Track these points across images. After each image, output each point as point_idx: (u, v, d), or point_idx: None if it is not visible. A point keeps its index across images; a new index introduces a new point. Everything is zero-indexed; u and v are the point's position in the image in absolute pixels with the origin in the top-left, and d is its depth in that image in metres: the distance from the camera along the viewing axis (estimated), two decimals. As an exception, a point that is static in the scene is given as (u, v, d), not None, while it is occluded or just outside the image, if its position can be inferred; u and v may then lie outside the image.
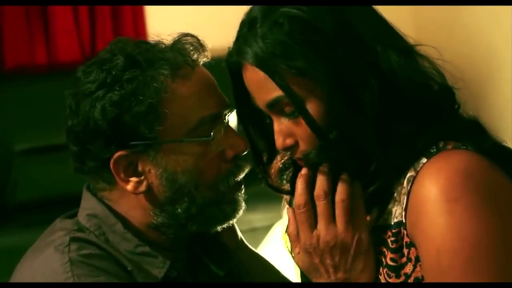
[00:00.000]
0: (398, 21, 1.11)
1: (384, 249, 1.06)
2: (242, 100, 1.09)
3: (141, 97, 1.06)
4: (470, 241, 0.96)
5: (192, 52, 1.12)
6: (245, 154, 1.14)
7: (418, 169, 1.02)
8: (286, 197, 1.18)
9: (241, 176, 1.14)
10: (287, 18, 1.02)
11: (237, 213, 1.14)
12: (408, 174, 1.03)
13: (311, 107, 1.03)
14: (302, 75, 1.01)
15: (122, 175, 1.09)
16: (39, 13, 2.72)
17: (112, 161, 1.08)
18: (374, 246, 1.06)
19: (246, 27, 1.05)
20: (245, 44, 1.04)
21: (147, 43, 1.13)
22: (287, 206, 1.18)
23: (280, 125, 1.06)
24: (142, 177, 1.10)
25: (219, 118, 1.12)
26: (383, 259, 1.06)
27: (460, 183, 0.97)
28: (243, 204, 1.15)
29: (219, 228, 1.16)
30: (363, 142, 1.03)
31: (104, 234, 1.11)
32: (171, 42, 1.13)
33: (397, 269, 1.04)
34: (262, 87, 1.04)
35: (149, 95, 1.06)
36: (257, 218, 2.58)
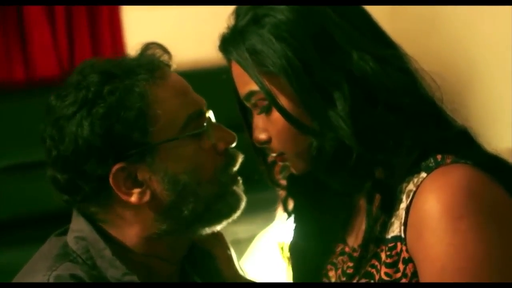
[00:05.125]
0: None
1: (377, 263, 1.05)
2: (236, 89, 1.12)
3: (128, 104, 1.06)
4: (474, 260, 0.96)
5: (162, 56, 1.14)
6: (235, 145, 1.15)
7: (418, 183, 1.01)
8: (282, 193, 1.20)
9: (237, 166, 1.14)
10: (266, 16, 1.05)
11: (240, 205, 1.14)
12: (407, 189, 1.03)
13: (284, 102, 1.05)
14: (273, 74, 1.04)
15: (123, 189, 1.07)
16: (16, 29, 2.71)
17: (111, 176, 1.06)
18: (365, 258, 1.06)
19: (232, 20, 1.09)
20: (228, 39, 1.09)
21: (115, 59, 1.13)
22: (280, 207, 1.21)
23: (257, 120, 1.10)
24: (144, 187, 1.08)
25: (203, 115, 1.13)
26: (375, 273, 1.05)
27: (464, 200, 0.97)
28: (244, 196, 1.15)
29: (224, 223, 1.15)
30: (339, 135, 1.03)
31: (92, 259, 1.09)
32: (139, 51, 1.14)
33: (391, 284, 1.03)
34: (240, 81, 1.09)
35: (134, 100, 1.06)
36: (241, 229, 2.56)
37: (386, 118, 1.03)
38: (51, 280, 1.05)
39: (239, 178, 1.15)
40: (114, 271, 1.08)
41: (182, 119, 1.10)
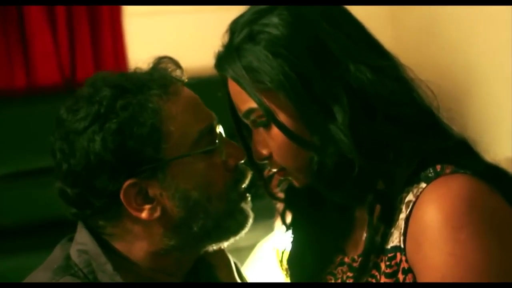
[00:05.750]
0: (375, 31, 1.11)
1: (376, 273, 1.05)
2: (235, 110, 1.12)
3: (141, 120, 1.05)
4: (474, 270, 0.96)
5: (174, 71, 1.13)
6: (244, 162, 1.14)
7: (418, 194, 1.01)
8: (279, 206, 1.19)
9: (246, 182, 1.14)
10: (261, 33, 1.05)
11: (248, 222, 1.14)
12: (407, 199, 1.03)
13: (283, 118, 1.05)
14: (271, 90, 1.04)
15: (134, 205, 1.06)
16: (17, 36, 2.71)
17: (122, 192, 1.05)
18: (366, 269, 1.06)
19: (227, 37, 1.09)
20: (224, 56, 1.08)
21: (125, 73, 1.12)
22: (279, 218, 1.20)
23: (257, 136, 1.10)
24: (155, 203, 1.07)
25: (214, 130, 1.13)
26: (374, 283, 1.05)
27: (464, 211, 0.97)
28: (251, 213, 1.14)
29: (232, 240, 1.15)
30: (341, 148, 1.03)
31: (93, 273, 1.08)
32: (150, 66, 1.13)
33: None
34: (238, 98, 1.08)
35: (148, 116, 1.06)
36: (242, 237, 2.56)
37: (386, 129, 1.03)
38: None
39: (247, 195, 1.15)
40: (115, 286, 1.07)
41: (193, 135, 1.09)
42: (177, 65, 1.14)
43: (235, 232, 1.14)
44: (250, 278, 1.33)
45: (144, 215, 1.07)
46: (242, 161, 1.14)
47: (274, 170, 1.12)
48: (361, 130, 1.02)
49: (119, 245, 1.11)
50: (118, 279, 1.07)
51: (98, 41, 2.80)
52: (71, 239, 1.13)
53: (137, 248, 1.10)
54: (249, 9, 1.09)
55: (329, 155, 1.03)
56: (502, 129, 2.62)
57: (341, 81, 1.03)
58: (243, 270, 1.32)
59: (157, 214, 1.08)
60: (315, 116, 1.03)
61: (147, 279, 1.11)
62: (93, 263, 1.08)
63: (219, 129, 1.14)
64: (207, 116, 1.13)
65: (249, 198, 1.15)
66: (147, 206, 1.07)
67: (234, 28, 1.09)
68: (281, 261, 1.23)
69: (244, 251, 2.27)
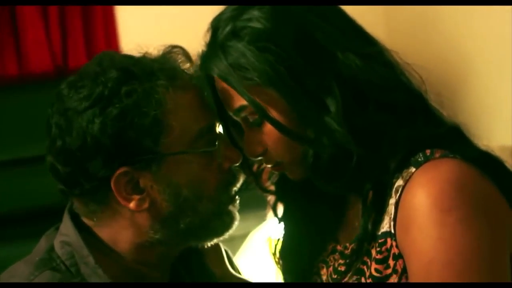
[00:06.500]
0: (369, 25, 1.10)
1: (367, 260, 1.04)
2: (221, 106, 1.09)
3: (144, 110, 1.03)
4: (463, 254, 0.94)
5: (184, 63, 1.10)
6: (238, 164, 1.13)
7: (407, 178, 1.00)
8: (271, 198, 1.19)
9: (238, 186, 1.13)
10: (245, 28, 1.03)
11: (234, 225, 1.13)
12: (396, 184, 1.02)
13: (276, 114, 1.03)
14: (260, 86, 1.02)
15: (123, 193, 1.05)
16: (9, 24, 2.69)
17: (113, 179, 1.04)
18: (358, 256, 1.05)
19: (210, 36, 1.07)
20: (209, 55, 1.06)
21: (134, 56, 1.09)
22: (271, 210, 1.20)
23: (250, 133, 1.08)
24: (144, 194, 1.06)
25: (214, 129, 1.11)
26: (366, 270, 1.05)
27: (453, 194, 0.96)
28: (238, 216, 1.14)
29: (215, 240, 1.14)
30: (336, 139, 1.02)
31: (76, 265, 1.07)
32: (161, 53, 1.10)
33: (381, 280, 1.02)
34: (227, 97, 1.06)
35: (151, 107, 1.03)
36: (236, 226, 2.56)
37: (379, 117, 1.02)
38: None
39: (237, 197, 1.14)
40: (97, 279, 1.06)
41: (193, 133, 1.07)
42: (188, 57, 1.11)
43: (220, 233, 1.13)
44: (243, 267, 1.32)
45: (132, 205, 1.06)
46: (237, 164, 1.13)
47: (269, 166, 1.10)
48: (355, 120, 1.01)
49: (104, 234, 1.10)
50: (100, 272, 1.06)
51: (90, 28, 2.78)
52: (58, 228, 1.12)
53: (123, 237, 1.09)
54: (228, 6, 1.07)
55: (324, 147, 1.02)
56: (497, 118, 2.62)
57: (330, 71, 1.02)
58: (236, 259, 1.32)
59: (145, 205, 1.06)
60: (308, 108, 1.02)
61: (131, 271, 1.10)
62: (75, 254, 1.07)
63: (219, 128, 1.13)
64: (210, 114, 1.10)
65: (237, 201, 1.14)
66: (136, 197, 1.06)
67: (216, 25, 1.06)
68: (273, 253, 1.23)
69: (237, 241, 2.27)
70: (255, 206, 1.82)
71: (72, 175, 1.05)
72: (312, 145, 1.03)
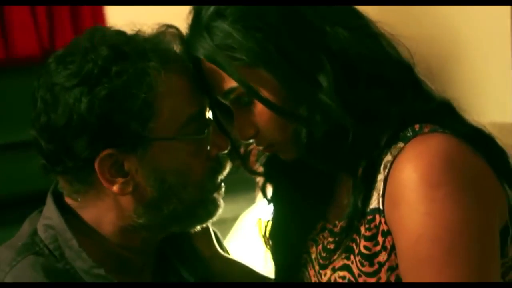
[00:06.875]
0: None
1: (357, 237, 1.03)
2: (208, 89, 1.07)
3: (134, 92, 1.00)
4: (452, 230, 0.93)
5: (177, 45, 1.07)
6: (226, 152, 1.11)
7: (396, 154, 0.99)
8: (259, 180, 1.18)
9: (225, 173, 1.11)
10: (229, 7, 1.01)
11: (217, 212, 1.12)
12: (385, 160, 1.00)
13: (266, 93, 1.01)
14: (249, 66, 1.00)
15: (107, 175, 1.03)
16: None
17: (97, 160, 1.01)
18: (348, 233, 1.04)
19: (193, 17, 1.04)
20: (193, 37, 1.03)
21: (126, 33, 1.05)
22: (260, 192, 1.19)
23: (240, 115, 1.05)
24: (128, 177, 1.04)
25: (203, 116, 1.09)
26: (355, 247, 1.04)
27: (442, 169, 0.94)
28: (222, 203, 1.12)
29: (198, 228, 1.13)
30: (330, 115, 1.00)
31: (60, 248, 1.05)
32: (154, 33, 1.07)
33: (370, 258, 1.01)
34: (216, 79, 1.03)
35: (142, 89, 1.00)
36: (226, 209, 2.55)
37: (371, 93, 1.00)
38: (8, 279, 1.02)
39: (223, 185, 1.12)
40: (81, 262, 1.05)
41: (183, 118, 1.05)
42: (183, 39, 1.07)
43: (204, 220, 1.12)
44: (233, 250, 1.32)
45: (115, 188, 1.04)
46: (225, 151, 1.11)
47: (261, 147, 1.08)
48: (347, 95, 0.99)
49: (88, 215, 1.08)
50: (84, 255, 1.04)
51: (77, 11, 2.76)
52: (41, 212, 1.10)
53: (106, 219, 1.07)
54: None
55: (318, 124, 1.00)
56: (487, 94, 2.62)
57: (320, 46, 1.00)
58: (226, 242, 1.31)
59: (128, 189, 1.04)
60: (299, 85, 1.00)
61: (115, 255, 1.09)
62: (59, 238, 1.05)
63: (209, 115, 1.10)
64: (200, 99, 1.08)
65: (223, 189, 1.12)
66: (120, 180, 1.03)
67: (199, 7, 1.04)
68: (263, 234, 1.22)
69: (227, 223, 2.27)
70: (245, 189, 1.81)
71: (55, 153, 1.03)
72: (306, 123, 1.01)
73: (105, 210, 1.07)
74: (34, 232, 1.08)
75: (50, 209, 1.08)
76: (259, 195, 2.09)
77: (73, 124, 1.00)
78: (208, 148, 1.08)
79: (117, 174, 1.04)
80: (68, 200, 1.10)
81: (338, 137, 1.01)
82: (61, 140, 1.02)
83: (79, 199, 1.08)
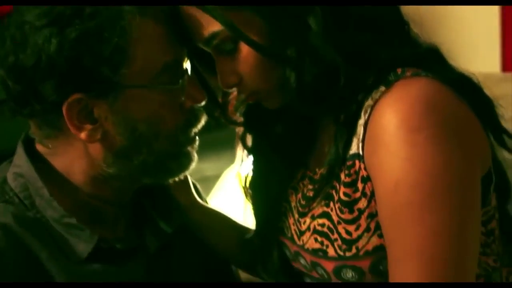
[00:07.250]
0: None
1: (336, 184, 1.02)
2: (187, 37, 1.03)
3: (106, 35, 0.97)
4: (432, 175, 0.91)
5: None
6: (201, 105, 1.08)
7: (377, 97, 0.96)
8: (239, 130, 1.16)
9: (199, 127, 1.08)
10: None
11: (190, 166, 1.10)
12: (366, 104, 0.98)
13: (252, 36, 0.98)
14: (234, 8, 0.97)
15: (75, 121, 1.00)
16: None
17: (65, 105, 0.98)
18: (327, 180, 1.02)
19: None
20: None
21: None
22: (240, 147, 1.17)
23: (223, 63, 1.02)
24: (97, 124, 1.01)
25: (180, 65, 1.05)
26: (335, 194, 1.02)
27: (423, 112, 0.92)
28: (196, 157, 1.10)
29: (170, 181, 1.11)
30: (320, 56, 0.97)
31: (30, 197, 1.03)
32: None
33: (350, 204, 1.00)
34: (197, 24, 1.00)
35: (115, 33, 0.97)
36: (208, 166, 2.54)
37: (360, 36, 0.98)
38: None
39: (197, 138, 1.10)
40: (52, 211, 1.03)
41: (158, 66, 1.01)
42: None
43: (176, 173, 1.10)
44: (215, 206, 1.30)
45: (83, 135, 1.01)
46: (201, 104, 1.08)
47: (243, 96, 1.05)
48: (337, 37, 0.97)
49: (59, 163, 1.06)
50: (55, 204, 1.03)
51: None
52: (11, 162, 1.08)
53: (77, 168, 1.05)
54: None
55: (307, 67, 0.97)
56: (474, 43, 2.61)
57: None
58: (209, 199, 1.30)
59: (97, 137, 1.02)
60: (287, 26, 0.97)
61: (87, 205, 1.07)
62: (29, 186, 1.03)
63: (186, 65, 1.07)
64: (176, 49, 1.04)
65: (197, 143, 1.10)
66: (89, 126, 1.01)
67: None
68: (244, 186, 1.21)
69: (211, 181, 2.25)
70: (228, 146, 1.80)
71: (23, 94, 1.00)
72: (295, 65, 0.98)
73: (75, 158, 1.05)
74: (4, 181, 1.06)
75: (20, 157, 1.06)
76: (238, 152, 2.07)
77: (41, 65, 0.97)
78: (183, 99, 1.06)
79: (86, 121, 1.01)
80: (39, 147, 1.08)
81: (328, 81, 0.98)
82: (28, 82, 0.99)
83: (50, 146, 1.06)
